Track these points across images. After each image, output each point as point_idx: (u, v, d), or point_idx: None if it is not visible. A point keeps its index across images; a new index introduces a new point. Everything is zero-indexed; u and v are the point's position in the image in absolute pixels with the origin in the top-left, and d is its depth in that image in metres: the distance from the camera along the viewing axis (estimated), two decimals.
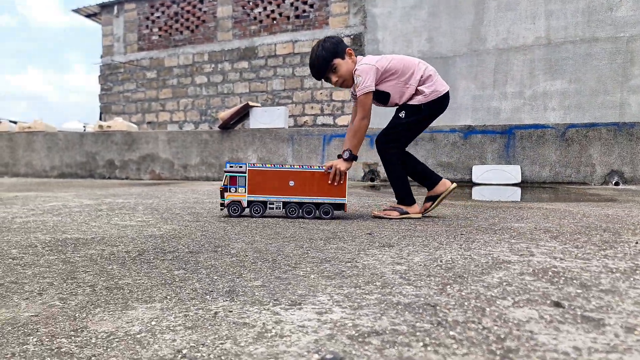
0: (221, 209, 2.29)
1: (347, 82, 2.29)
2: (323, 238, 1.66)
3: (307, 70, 9.67)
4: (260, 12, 10.19)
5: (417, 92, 2.30)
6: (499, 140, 6.05)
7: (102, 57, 12.10)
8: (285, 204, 2.22)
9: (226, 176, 2.22)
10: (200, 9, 10.86)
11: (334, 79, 2.27)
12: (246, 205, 2.22)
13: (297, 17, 9.84)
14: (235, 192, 2.21)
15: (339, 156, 2.33)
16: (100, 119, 12.54)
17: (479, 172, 6.04)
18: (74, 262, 1.26)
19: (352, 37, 9.25)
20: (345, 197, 2.23)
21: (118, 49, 11.87)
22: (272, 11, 10.06)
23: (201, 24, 10.83)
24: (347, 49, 2.30)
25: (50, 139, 7.62)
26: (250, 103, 6.79)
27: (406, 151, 2.41)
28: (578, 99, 7.78)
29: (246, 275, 1.11)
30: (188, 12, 11.01)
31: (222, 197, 2.23)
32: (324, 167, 2.26)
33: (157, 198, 3.49)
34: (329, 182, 2.22)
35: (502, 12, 8.25)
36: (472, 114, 8.46)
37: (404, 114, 2.31)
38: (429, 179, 2.39)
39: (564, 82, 7.85)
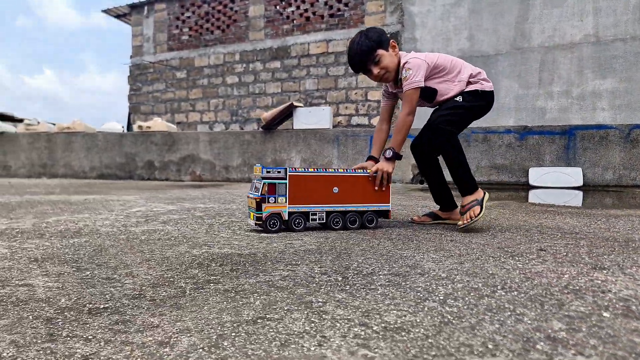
0: (256, 224, 1.88)
1: (388, 76, 2.10)
2: (496, 256, 1.46)
3: (341, 70, 9.51)
4: (293, 11, 10.04)
5: (469, 85, 2.17)
6: (557, 141, 5.82)
7: (131, 57, 12.05)
8: (328, 213, 1.97)
9: (264, 184, 1.86)
10: (231, 9, 10.74)
11: (375, 71, 2.06)
12: (286, 218, 1.91)
13: (331, 15, 9.67)
14: (275, 202, 1.88)
15: (370, 157, 2.22)
16: (129, 119, 12.50)
17: (536, 175, 5.81)
18: (304, 284, 1.10)
19: (388, 35, 9.03)
20: (389, 202, 2.06)
21: (147, 49, 11.80)
22: (306, 10, 9.91)
23: (232, 24, 10.71)
24: (391, 41, 2.11)
25: (89, 140, 7.54)
26: (295, 103, 6.63)
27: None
28: (629, 99, 7.50)
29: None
30: (219, 11, 10.90)
31: (259, 208, 1.86)
32: (367, 171, 2.07)
33: (232, 203, 3.33)
34: (376, 187, 2.04)
35: (548, 9, 8.00)
36: (515, 114, 8.22)
37: (461, 98, 2.12)
38: (448, 201, 2.30)
39: (614, 81, 7.57)
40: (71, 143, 7.61)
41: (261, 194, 1.86)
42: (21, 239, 1.78)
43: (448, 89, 2.15)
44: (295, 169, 1.93)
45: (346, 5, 9.50)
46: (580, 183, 5.67)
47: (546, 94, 8.01)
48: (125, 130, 8.50)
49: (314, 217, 1.94)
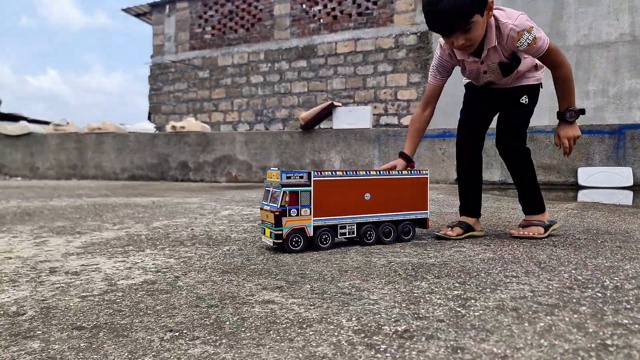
0: (274, 244, 1.56)
1: (470, 49, 1.68)
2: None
3: (370, 69, 9.41)
4: (320, 10, 9.94)
5: (536, 66, 1.87)
6: (607, 140, 5.71)
7: (152, 56, 11.96)
8: (359, 225, 1.65)
9: (284, 192, 1.52)
10: (256, 7, 10.64)
11: (461, 41, 1.59)
12: (311, 234, 1.57)
13: (359, 14, 9.56)
14: (298, 215, 1.54)
15: (402, 155, 1.89)
16: (149, 119, 12.40)
17: (586, 175, 5.71)
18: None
19: (418, 34, 8.95)
20: (427, 209, 1.77)
21: (169, 48, 11.71)
22: (333, 9, 9.81)
23: (257, 23, 10.62)
24: (490, 1, 1.61)
25: (120, 141, 7.45)
26: (335, 103, 6.53)
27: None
28: None
29: None
30: (243, 10, 10.80)
31: (279, 224, 1.53)
32: (399, 172, 1.78)
33: None
34: (567, 154, 1.80)
35: (583, 8, 7.89)
36: (549, 113, 8.06)
37: (526, 100, 1.87)
38: (476, 208, 1.97)
39: None
40: (101, 144, 7.52)
41: (281, 205, 1.52)
42: (171, 247, 1.68)
43: (531, 74, 1.87)
44: (319, 172, 1.60)
45: (375, 3, 9.40)
46: (631, 183, 5.56)
47: (582, 92, 7.89)
48: (120, 127, 8.39)
49: (343, 230, 1.63)
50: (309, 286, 1.08)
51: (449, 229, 1.86)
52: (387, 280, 1.12)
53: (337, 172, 1.62)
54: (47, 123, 9.98)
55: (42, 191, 4.71)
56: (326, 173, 1.59)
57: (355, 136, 6.43)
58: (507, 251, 1.55)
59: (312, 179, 1.56)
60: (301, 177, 1.57)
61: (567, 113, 1.75)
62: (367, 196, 1.65)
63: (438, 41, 1.83)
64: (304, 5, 10.11)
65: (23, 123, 7.84)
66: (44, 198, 3.83)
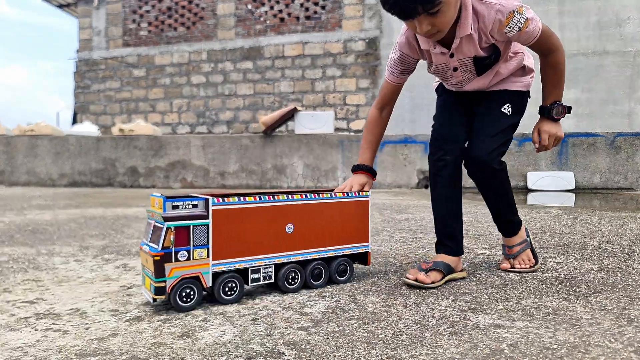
0: (154, 302, 1.15)
1: (438, 35, 1.31)
2: None
3: (318, 73, 9.42)
4: (266, 12, 9.77)
5: (524, 68, 1.53)
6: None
7: (78, 51, 11.00)
8: (279, 267, 1.28)
9: (168, 228, 1.11)
10: (197, 5, 10.20)
11: (425, 27, 1.25)
12: (209, 283, 1.17)
13: (307, 17, 9.54)
14: (189, 259, 1.14)
15: (359, 168, 1.54)
16: (74, 119, 11.40)
17: (534, 179, 6.17)
18: None
19: (366, 40, 9.14)
20: (369, 240, 1.39)
21: (98, 43, 10.85)
22: (280, 11, 9.69)
23: (199, 21, 10.18)
24: None
25: (58, 144, 6.76)
26: (297, 107, 6.45)
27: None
28: (590, 108, 8.22)
29: None
30: (183, 7, 10.31)
31: (160, 272, 1.10)
32: (353, 193, 1.42)
33: None
34: (547, 147, 1.44)
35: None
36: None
37: (510, 109, 1.49)
38: (458, 243, 1.54)
39: (577, 91, 8.25)
40: (35, 147, 6.77)
41: (163, 247, 1.11)
42: None
43: (516, 78, 1.51)
44: (221, 198, 1.19)
45: (323, 8, 9.44)
46: (573, 186, 6.12)
47: None
48: (57, 129, 7.67)
49: (256, 275, 1.23)
50: None
51: (422, 272, 1.39)
52: None
53: (247, 198, 1.22)
54: None
55: None
56: (230, 200, 1.19)
57: (318, 141, 6.40)
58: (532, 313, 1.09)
59: (211, 208, 1.16)
60: (194, 206, 1.17)
61: (554, 109, 1.41)
62: (290, 228, 1.27)
63: (396, 41, 1.50)
64: (249, 6, 9.88)
65: None
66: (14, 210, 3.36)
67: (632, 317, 1.07)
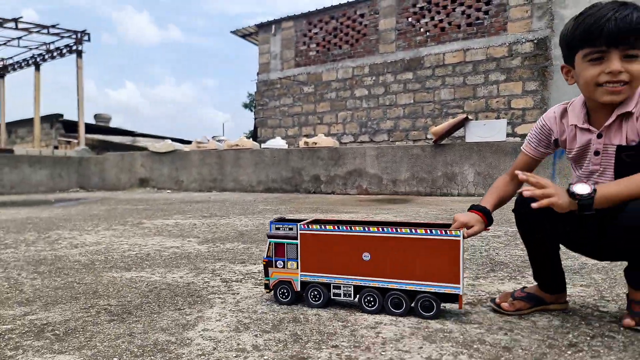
0: (267, 292, 1.53)
1: (626, 92, 1.16)
2: None
3: (480, 79, 9.42)
4: (426, 23, 10.10)
5: None
6: None
7: (258, 74, 12.67)
8: (358, 288, 1.41)
9: (270, 243, 1.49)
10: (360, 23, 10.99)
11: (618, 65, 1.13)
12: (299, 288, 1.46)
13: (468, 24, 9.62)
14: (284, 267, 1.48)
15: (476, 207, 1.36)
16: (255, 132, 13.13)
17: None
18: None
19: (535, 41, 8.86)
20: (459, 282, 1.31)
21: (274, 65, 12.34)
22: (441, 20, 9.93)
23: (361, 38, 10.96)
24: None
25: (257, 156, 8.02)
26: (468, 117, 6.66)
27: None
28: None
29: None
30: (347, 26, 11.20)
31: (267, 274, 1.49)
32: (455, 232, 1.30)
33: None
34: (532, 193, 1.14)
35: None
36: None
37: None
38: (560, 280, 1.41)
39: None
40: (239, 159, 8.13)
41: (267, 256, 1.49)
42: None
43: None
44: (307, 225, 1.45)
45: (486, 13, 9.42)
46: None
47: None
48: (255, 143, 8.97)
49: (337, 290, 1.43)
50: None
51: (512, 298, 1.38)
52: None
53: (327, 226, 1.43)
54: (187, 142, 10.87)
55: (223, 206, 5.24)
56: (314, 227, 1.44)
57: (491, 149, 6.51)
58: None
59: (299, 232, 1.45)
60: (290, 229, 1.47)
61: (587, 185, 1.12)
62: (366, 256, 1.39)
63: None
64: (409, 19, 10.31)
65: (168, 142, 8.66)
66: (254, 214, 4.30)
67: None
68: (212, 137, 13.23)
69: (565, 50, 1.26)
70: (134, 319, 1.34)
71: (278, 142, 8.34)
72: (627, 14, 1.10)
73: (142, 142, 16.56)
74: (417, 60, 10.20)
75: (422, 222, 1.45)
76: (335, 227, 1.42)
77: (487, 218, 1.33)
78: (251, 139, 13.14)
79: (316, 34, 11.67)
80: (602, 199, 1.10)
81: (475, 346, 1.13)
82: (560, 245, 1.38)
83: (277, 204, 5.66)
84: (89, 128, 16.34)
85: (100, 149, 13.64)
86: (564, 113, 1.32)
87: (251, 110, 23.33)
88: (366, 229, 1.39)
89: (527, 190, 1.15)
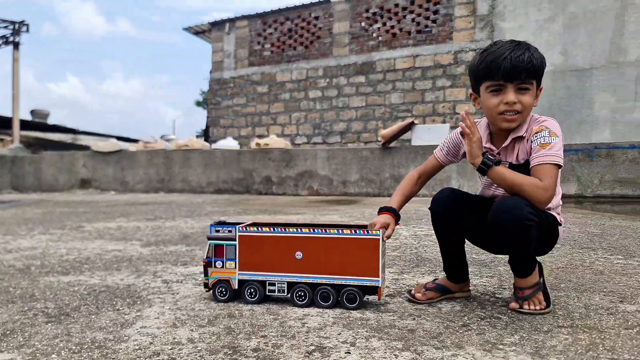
0: (206, 291, 1.62)
1: (518, 118, 1.40)
2: None
3: (428, 84, 9.80)
4: (379, 28, 10.37)
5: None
6: None
7: (211, 72, 12.54)
8: (291, 285, 1.54)
9: (209, 245, 1.59)
10: (315, 25, 11.13)
11: (513, 96, 1.37)
12: (237, 286, 1.56)
13: (418, 32, 9.97)
14: (222, 267, 1.57)
15: (386, 209, 1.56)
16: (208, 132, 12.99)
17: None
18: None
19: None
20: (378, 276, 1.46)
21: (228, 64, 12.27)
22: (392, 27, 10.23)
23: (316, 40, 11.10)
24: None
25: (207, 157, 7.97)
26: (415, 121, 6.94)
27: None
28: None
29: None
30: (302, 28, 11.30)
31: (206, 273, 1.59)
32: (375, 232, 1.48)
33: None
34: (467, 130, 1.40)
35: None
36: (611, 126, 8.39)
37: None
38: (464, 271, 1.62)
39: None
40: (189, 159, 8.05)
41: (207, 257, 1.58)
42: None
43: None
44: (245, 227, 1.57)
45: (434, 21, 9.80)
46: None
47: None
48: (205, 144, 8.91)
49: (272, 287, 1.55)
50: None
51: (424, 289, 1.57)
52: None
53: (264, 228, 1.56)
54: (134, 141, 10.60)
55: (169, 208, 5.21)
56: (251, 229, 1.56)
57: None
58: None
59: (237, 233, 1.56)
60: (229, 231, 1.57)
61: (490, 158, 1.39)
62: (299, 255, 1.52)
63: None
64: (363, 24, 10.56)
65: (113, 141, 8.43)
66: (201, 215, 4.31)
67: None
68: (161, 137, 13.02)
69: (473, 81, 1.51)
70: (72, 320, 1.39)
71: (229, 143, 8.33)
72: (520, 54, 1.34)
73: (84, 140, 15.97)
74: (370, 64, 10.46)
75: (347, 224, 1.61)
76: (271, 228, 1.55)
77: (395, 216, 1.55)
78: (202, 139, 13.03)
79: (271, 34, 11.71)
80: (498, 170, 1.37)
81: (386, 330, 1.28)
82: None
83: (226, 205, 5.68)
84: (25, 124, 15.51)
85: (37, 147, 13.01)
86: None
87: (204, 109, 23.04)
88: (299, 230, 1.53)
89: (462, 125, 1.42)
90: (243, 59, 12.07)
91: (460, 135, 1.57)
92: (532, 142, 1.39)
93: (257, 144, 7.73)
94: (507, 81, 1.36)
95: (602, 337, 1.21)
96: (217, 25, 12.36)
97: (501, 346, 1.15)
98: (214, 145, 8.47)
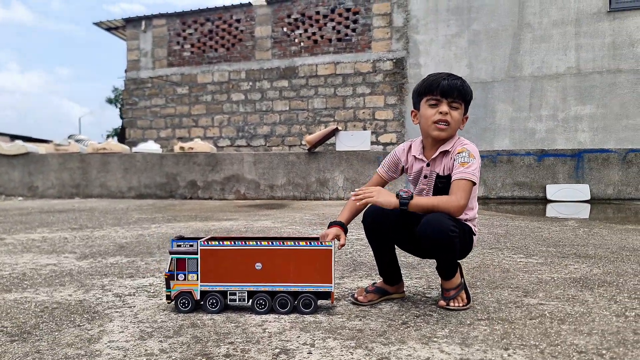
0: (168, 303, 1.70)
1: (448, 132, 1.70)
2: None
3: (349, 91, 10.22)
4: (300, 34, 10.61)
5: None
6: (569, 162, 6.92)
7: (126, 71, 11.99)
8: (251, 294, 1.66)
9: (172, 259, 1.67)
10: (236, 28, 11.10)
11: (446, 108, 1.67)
12: (199, 297, 1.66)
13: (339, 40, 10.36)
14: (185, 280, 1.67)
15: (336, 223, 1.77)
16: (123, 133, 12.40)
17: (552, 191, 6.87)
18: None
19: (394, 60, 9.91)
20: (331, 282, 1.64)
21: (145, 64, 11.82)
22: (314, 33, 10.52)
23: (238, 43, 11.08)
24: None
25: (127, 160, 7.68)
26: (339, 127, 7.24)
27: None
28: (605, 122, 8.85)
29: None
30: (223, 30, 11.22)
31: (168, 286, 1.67)
32: (324, 242, 1.66)
33: None
34: (356, 198, 1.66)
35: (537, 44, 9.21)
36: (510, 134, 9.35)
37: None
38: (398, 273, 1.85)
39: (592, 107, 8.89)
40: (107, 163, 7.70)
41: (169, 270, 1.66)
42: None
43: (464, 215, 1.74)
44: (207, 241, 1.68)
45: (354, 30, 10.24)
46: (588, 197, 6.79)
47: (536, 117, 9.20)
48: (125, 147, 8.60)
49: (233, 297, 1.66)
50: None
51: (365, 292, 1.78)
52: None
53: (225, 242, 1.67)
54: (42, 141, 9.82)
55: (92, 216, 5.00)
56: (213, 242, 1.67)
57: (357, 157, 7.18)
58: None
59: (199, 247, 1.66)
60: (191, 246, 1.68)
61: (403, 192, 1.60)
62: (258, 266, 1.65)
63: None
64: (285, 29, 10.74)
65: (19, 142, 7.79)
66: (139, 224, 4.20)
67: (618, 300, 1.80)
68: (69, 137, 12.20)
69: (415, 98, 1.79)
70: (36, 337, 1.41)
71: (151, 146, 8.09)
72: (454, 79, 1.71)
73: None
74: (292, 69, 10.66)
75: (302, 236, 1.79)
76: (232, 242, 1.67)
77: (344, 229, 1.77)
78: (116, 139, 12.41)
79: (191, 34, 11.47)
80: (414, 203, 1.60)
81: (338, 331, 1.46)
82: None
83: (153, 212, 5.56)
84: None
85: None
86: (409, 147, 1.84)
87: (116, 107, 21.82)
88: (258, 242, 1.67)
89: (354, 195, 1.66)
90: (161, 59, 11.70)
91: (397, 153, 1.86)
92: (454, 160, 1.67)
93: (181, 148, 7.60)
94: (442, 97, 1.68)
95: (513, 327, 1.48)
96: (132, 22, 11.86)
97: (435, 339, 1.37)
98: (134, 149, 8.17)
